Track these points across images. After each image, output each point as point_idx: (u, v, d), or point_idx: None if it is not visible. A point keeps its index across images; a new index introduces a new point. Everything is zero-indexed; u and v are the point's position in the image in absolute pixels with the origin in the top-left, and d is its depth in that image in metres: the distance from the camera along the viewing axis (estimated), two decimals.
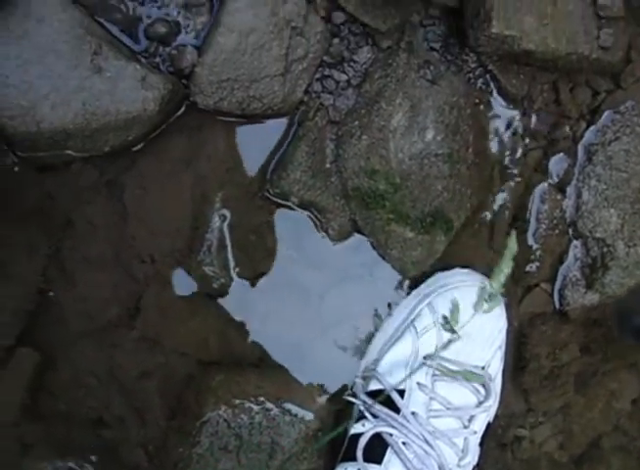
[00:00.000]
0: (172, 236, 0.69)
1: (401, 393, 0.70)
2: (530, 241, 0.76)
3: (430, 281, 0.76)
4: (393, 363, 0.73)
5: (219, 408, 0.72)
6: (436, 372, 0.70)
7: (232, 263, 0.70)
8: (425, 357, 0.71)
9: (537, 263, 0.77)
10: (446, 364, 0.70)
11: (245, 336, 0.74)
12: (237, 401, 0.72)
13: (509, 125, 0.75)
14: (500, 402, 0.77)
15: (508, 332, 0.73)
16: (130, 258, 0.69)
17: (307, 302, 0.74)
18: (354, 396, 0.73)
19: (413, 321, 0.73)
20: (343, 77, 0.69)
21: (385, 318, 0.77)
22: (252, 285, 0.72)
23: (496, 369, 0.74)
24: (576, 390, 0.83)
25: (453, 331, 0.68)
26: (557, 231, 0.77)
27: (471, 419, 0.71)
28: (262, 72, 0.65)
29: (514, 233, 0.69)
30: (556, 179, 0.77)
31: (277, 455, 0.73)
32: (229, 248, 0.70)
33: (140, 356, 0.72)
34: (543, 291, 0.78)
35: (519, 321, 0.78)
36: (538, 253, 0.77)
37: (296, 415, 0.73)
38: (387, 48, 0.69)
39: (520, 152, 0.76)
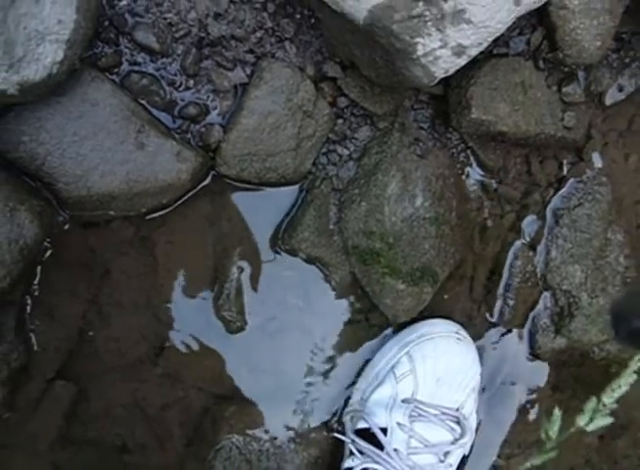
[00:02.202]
0: (196, 284, 0.82)
1: (385, 431, 0.78)
2: (504, 292, 0.88)
3: (409, 330, 0.84)
4: (377, 404, 0.81)
5: (232, 436, 0.83)
6: (413, 413, 0.78)
7: (247, 309, 0.83)
8: (403, 401, 0.79)
9: (512, 311, 0.89)
10: (422, 406, 0.78)
11: (255, 372, 0.86)
12: (248, 431, 0.83)
13: (487, 192, 0.87)
14: (477, 434, 0.89)
15: (482, 375, 0.84)
16: (158, 303, 0.81)
17: (311, 343, 0.87)
18: (343, 433, 0.83)
19: (393, 368, 0.82)
20: (346, 152, 0.82)
21: (368, 363, 0.86)
22: (263, 328, 0.84)
23: (470, 409, 0.82)
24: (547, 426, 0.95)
25: None
26: (529, 283, 0.88)
27: (446, 454, 0.79)
28: (277, 148, 0.78)
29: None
30: (528, 238, 0.89)
31: None
32: (245, 295, 0.82)
33: (162, 390, 0.83)
34: (518, 336, 0.90)
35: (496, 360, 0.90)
36: (512, 303, 0.89)
37: (299, 443, 0.85)
38: (383, 128, 0.81)
39: (496, 215, 0.88)
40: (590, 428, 0.64)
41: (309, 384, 0.86)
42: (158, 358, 0.82)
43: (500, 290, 0.87)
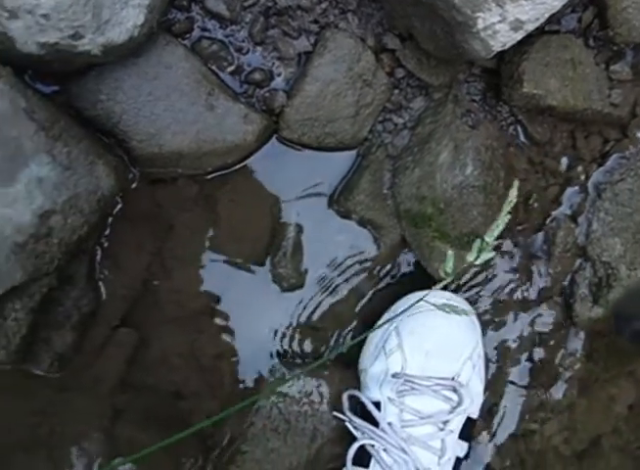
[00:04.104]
0: (254, 242, 0.89)
1: (378, 406, 0.82)
2: (546, 261, 0.95)
3: (399, 303, 0.88)
4: (372, 379, 0.85)
5: (275, 397, 0.88)
6: (404, 387, 0.82)
7: (302, 266, 0.90)
8: (392, 376, 0.83)
9: (552, 280, 0.95)
10: (413, 379, 0.81)
11: (303, 333, 0.92)
12: (290, 393, 0.88)
13: (532, 164, 0.92)
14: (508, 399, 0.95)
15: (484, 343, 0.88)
16: (218, 259, 0.88)
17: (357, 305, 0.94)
18: (341, 412, 0.86)
19: (385, 342, 0.86)
20: (401, 121, 0.88)
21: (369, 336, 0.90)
22: (316, 287, 0.91)
23: (468, 376, 0.84)
24: (579, 392, 1.00)
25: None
26: (569, 254, 0.94)
27: (446, 422, 0.81)
28: (337, 114, 0.84)
29: (516, 183, 0.70)
30: (570, 211, 0.94)
31: (317, 440, 0.88)
32: (301, 253, 0.89)
33: (217, 341, 0.90)
34: (556, 303, 0.97)
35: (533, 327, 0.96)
36: (552, 272, 0.96)
37: (335, 408, 0.89)
38: (437, 99, 0.88)
39: (540, 187, 0.94)
40: (478, 262, 0.69)
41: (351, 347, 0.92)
42: (215, 311, 0.89)
43: (542, 259, 0.94)
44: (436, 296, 0.85)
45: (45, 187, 0.74)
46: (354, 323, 0.91)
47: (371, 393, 0.83)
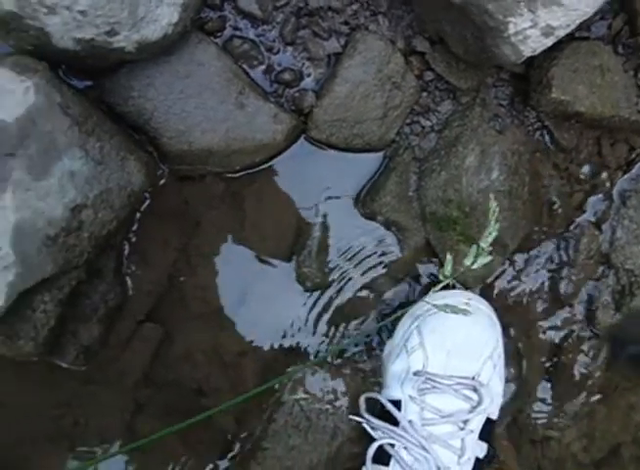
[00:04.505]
0: (280, 240, 0.90)
1: (398, 404, 0.83)
2: (569, 268, 0.95)
3: (421, 302, 0.87)
4: (393, 378, 0.86)
5: (297, 394, 0.89)
6: (425, 386, 0.82)
7: (326, 266, 0.91)
8: (414, 374, 0.83)
9: (574, 287, 0.96)
10: (434, 378, 0.82)
11: (325, 331, 0.94)
12: (312, 390, 0.89)
13: (558, 170, 0.93)
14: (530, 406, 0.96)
15: (505, 343, 0.88)
16: (243, 256, 0.89)
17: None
18: (358, 414, 0.86)
19: (406, 341, 0.86)
20: (428, 123, 0.89)
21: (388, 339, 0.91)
22: (338, 286, 0.92)
23: (488, 376, 0.84)
24: (599, 400, 1.00)
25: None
26: (592, 261, 0.94)
27: (466, 422, 0.81)
28: (365, 116, 0.85)
29: (492, 196, 0.76)
30: (594, 218, 0.94)
31: (337, 438, 0.89)
32: (326, 253, 0.90)
33: (240, 338, 0.91)
34: (578, 310, 0.97)
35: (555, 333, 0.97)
36: (575, 278, 0.96)
37: (352, 411, 0.90)
38: (465, 102, 0.88)
39: (565, 193, 0.95)
40: (474, 266, 0.75)
41: (372, 347, 0.93)
42: (238, 308, 0.90)
43: (565, 265, 0.94)
44: (457, 295, 0.87)
45: (77, 181, 0.75)
46: (376, 324, 0.92)
47: (392, 391, 0.84)
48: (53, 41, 0.73)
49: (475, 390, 0.82)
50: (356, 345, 0.91)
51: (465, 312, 0.76)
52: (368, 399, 0.86)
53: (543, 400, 0.96)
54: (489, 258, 0.75)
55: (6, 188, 0.73)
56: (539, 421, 0.97)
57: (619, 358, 0.98)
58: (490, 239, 0.75)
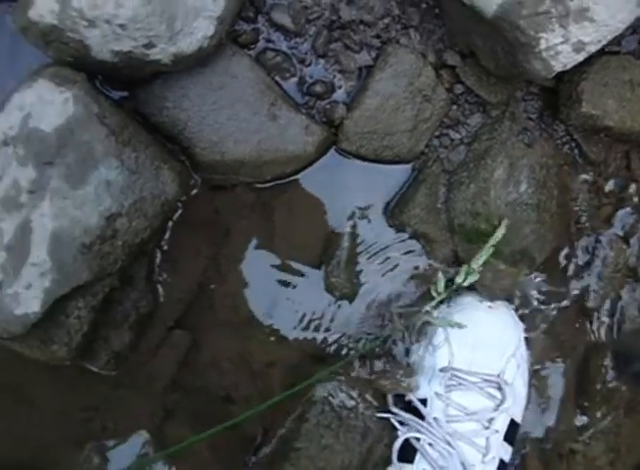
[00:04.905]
0: (308, 250, 0.91)
1: (425, 402, 0.85)
2: (596, 281, 0.96)
3: (444, 304, 0.90)
4: (419, 376, 0.87)
5: (327, 394, 0.90)
6: (451, 382, 0.84)
7: (355, 276, 0.91)
8: (440, 370, 0.85)
9: (601, 300, 0.96)
10: (459, 374, 0.84)
11: (352, 340, 0.94)
12: (343, 390, 0.90)
13: (586, 184, 0.94)
14: (558, 416, 0.96)
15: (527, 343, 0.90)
16: (272, 265, 0.90)
17: None
18: (385, 411, 0.89)
19: (431, 339, 0.88)
20: (457, 136, 0.90)
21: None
22: (367, 297, 0.93)
23: (512, 375, 0.86)
24: (625, 414, 1.01)
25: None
26: (619, 275, 0.95)
27: (490, 420, 0.83)
28: (395, 128, 0.87)
29: (505, 221, 0.85)
30: (622, 231, 0.95)
31: (368, 438, 0.89)
32: (354, 263, 0.91)
33: (268, 348, 0.92)
34: (605, 324, 0.97)
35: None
36: (602, 292, 0.97)
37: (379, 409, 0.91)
38: (494, 116, 0.89)
39: (593, 206, 0.95)
40: (465, 283, 0.85)
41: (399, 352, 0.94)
42: (267, 317, 0.91)
43: (592, 279, 0.95)
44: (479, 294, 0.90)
45: (113, 190, 0.77)
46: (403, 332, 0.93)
47: (418, 389, 0.86)
48: (92, 53, 0.75)
49: (499, 388, 0.84)
50: (380, 346, 0.92)
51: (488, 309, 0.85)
52: (395, 396, 0.88)
53: (570, 414, 0.97)
54: (477, 276, 0.85)
55: (44, 196, 0.75)
56: (566, 435, 0.97)
57: (623, 375, 0.97)
58: (481, 261, 0.85)
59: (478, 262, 0.84)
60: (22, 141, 0.74)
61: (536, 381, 0.96)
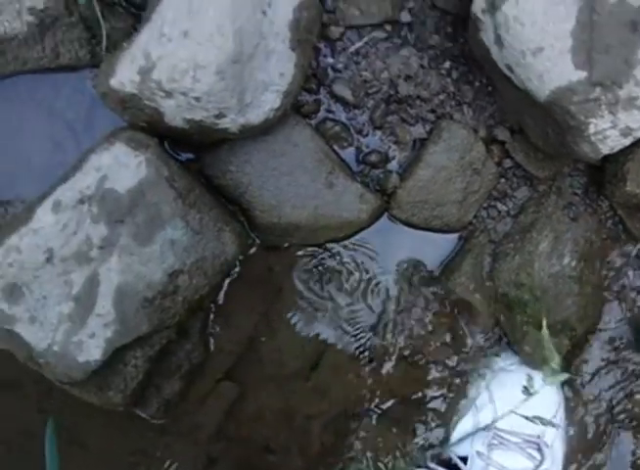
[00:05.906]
0: (356, 310, 0.94)
1: (465, 460, 0.87)
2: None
3: (486, 365, 0.94)
4: (460, 434, 0.91)
5: (364, 452, 0.95)
6: (493, 441, 0.87)
7: (396, 343, 0.95)
8: (483, 429, 0.88)
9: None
10: (502, 434, 0.87)
11: (389, 400, 0.98)
12: (378, 448, 0.95)
13: (628, 258, 0.97)
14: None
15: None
16: (320, 323, 0.95)
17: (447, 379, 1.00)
18: (424, 467, 0.91)
19: (475, 400, 0.92)
20: (504, 208, 0.94)
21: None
22: (408, 359, 0.97)
23: (552, 437, 0.89)
24: None
25: (530, 394, 0.88)
26: None
27: None
28: (446, 199, 0.91)
29: (544, 322, 0.89)
30: None
31: None
32: (400, 326, 0.95)
33: (310, 402, 0.96)
34: None
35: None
36: None
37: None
38: (541, 190, 0.93)
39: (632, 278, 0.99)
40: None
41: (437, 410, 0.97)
42: (311, 373, 0.95)
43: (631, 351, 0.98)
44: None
45: (177, 249, 0.82)
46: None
47: (458, 448, 0.89)
48: (165, 119, 0.80)
49: (539, 449, 0.87)
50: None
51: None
52: (434, 456, 0.91)
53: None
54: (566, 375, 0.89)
55: (113, 252, 0.80)
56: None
57: None
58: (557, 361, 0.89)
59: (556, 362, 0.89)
60: (96, 200, 0.79)
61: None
